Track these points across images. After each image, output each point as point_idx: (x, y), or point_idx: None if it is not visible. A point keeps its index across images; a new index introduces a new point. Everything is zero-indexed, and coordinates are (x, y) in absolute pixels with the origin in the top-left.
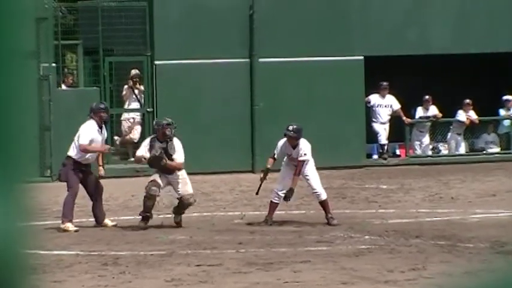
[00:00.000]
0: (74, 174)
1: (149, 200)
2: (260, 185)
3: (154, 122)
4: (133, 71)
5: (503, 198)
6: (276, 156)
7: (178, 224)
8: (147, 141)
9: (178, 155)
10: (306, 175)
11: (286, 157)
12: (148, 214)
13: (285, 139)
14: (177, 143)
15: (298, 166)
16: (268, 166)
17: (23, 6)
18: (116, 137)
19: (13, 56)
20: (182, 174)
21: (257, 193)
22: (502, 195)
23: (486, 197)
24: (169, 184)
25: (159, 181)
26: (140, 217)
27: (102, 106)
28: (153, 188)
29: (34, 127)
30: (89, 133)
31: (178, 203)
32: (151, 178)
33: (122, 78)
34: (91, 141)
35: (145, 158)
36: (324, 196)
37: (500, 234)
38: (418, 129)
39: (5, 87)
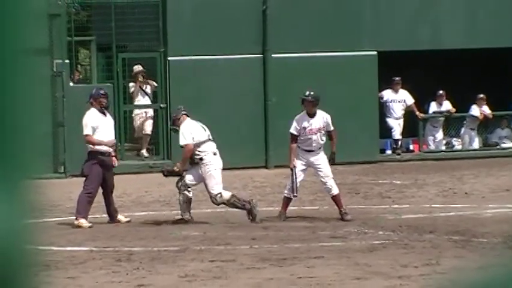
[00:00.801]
0: (97, 168)
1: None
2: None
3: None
4: (137, 67)
5: None
6: (296, 133)
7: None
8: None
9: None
10: (319, 169)
11: (303, 137)
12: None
13: (299, 115)
14: (181, 127)
15: (333, 135)
16: (293, 156)
17: (34, 3)
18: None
19: (16, 52)
20: (206, 169)
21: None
22: None
23: (500, 192)
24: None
25: (188, 180)
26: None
27: (102, 92)
28: (183, 188)
29: (44, 124)
30: (91, 122)
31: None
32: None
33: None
34: (95, 129)
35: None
36: (335, 191)
37: None
38: (431, 124)
39: (9, 85)
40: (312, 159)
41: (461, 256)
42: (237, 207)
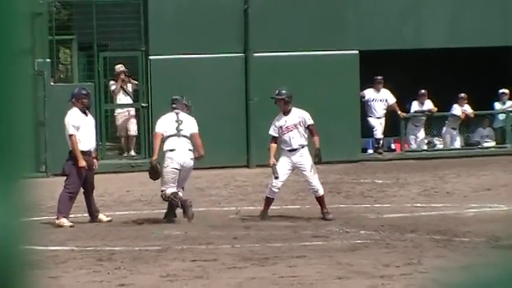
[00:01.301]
0: (78, 168)
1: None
2: (274, 169)
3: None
4: (118, 66)
5: (499, 192)
6: (275, 134)
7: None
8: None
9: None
10: (304, 169)
11: (282, 137)
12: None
13: (278, 116)
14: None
15: (313, 130)
16: (272, 152)
17: (18, 4)
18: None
19: (12, 54)
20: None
21: (276, 177)
22: (497, 190)
23: (481, 192)
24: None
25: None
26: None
27: (84, 92)
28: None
29: (32, 123)
30: (73, 121)
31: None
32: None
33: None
34: (77, 128)
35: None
36: (321, 192)
37: (495, 229)
38: (413, 124)
39: (6, 85)
40: (295, 160)
41: (442, 255)
42: (172, 205)
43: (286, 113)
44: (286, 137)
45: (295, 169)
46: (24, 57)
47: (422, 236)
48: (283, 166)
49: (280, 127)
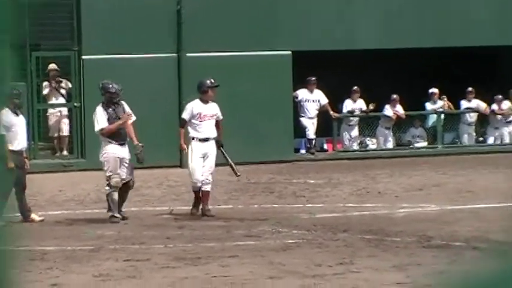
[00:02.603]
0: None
1: (115, 192)
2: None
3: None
4: (51, 66)
5: (430, 192)
6: (187, 119)
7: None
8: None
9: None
10: (207, 159)
11: (197, 123)
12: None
13: (194, 101)
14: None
15: (219, 126)
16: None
17: None
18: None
19: None
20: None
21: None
22: (428, 190)
23: (413, 192)
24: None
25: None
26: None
27: (14, 92)
28: (116, 179)
29: None
30: (3, 121)
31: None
32: (111, 170)
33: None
34: (8, 128)
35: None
36: (209, 187)
37: (427, 228)
38: (347, 123)
39: None
40: (205, 149)
41: (374, 255)
42: (108, 203)
43: (206, 102)
44: (201, 125)
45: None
46: None
47: (354, 235)
48: (196, 155)
49: (199, 113)
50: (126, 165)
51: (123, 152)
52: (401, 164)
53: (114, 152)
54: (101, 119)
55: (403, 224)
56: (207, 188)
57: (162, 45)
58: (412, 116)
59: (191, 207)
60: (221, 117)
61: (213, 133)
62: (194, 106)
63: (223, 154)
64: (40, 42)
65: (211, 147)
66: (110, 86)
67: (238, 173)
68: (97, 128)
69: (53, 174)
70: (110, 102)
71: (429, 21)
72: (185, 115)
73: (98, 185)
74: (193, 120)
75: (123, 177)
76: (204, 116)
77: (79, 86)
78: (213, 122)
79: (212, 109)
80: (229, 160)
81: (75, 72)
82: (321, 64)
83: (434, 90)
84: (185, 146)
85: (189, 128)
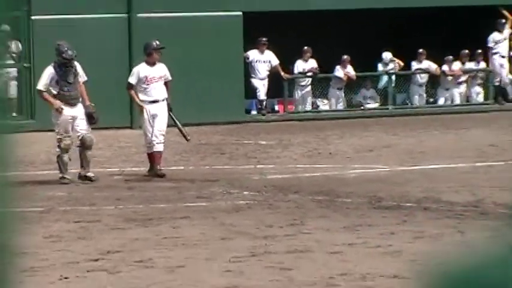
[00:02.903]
0: None
1: (66, 154)
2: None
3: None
4: (4, 27)
5: (381, 153)
6: (133, 82)
7: (88, 178)
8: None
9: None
10: (160, 121)
11: (145, 86)
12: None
13: (140, 65)
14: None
15: (169, 86)
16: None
17: None
18: None
19: None
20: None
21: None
22: (379, 151)
23: (364, 153)
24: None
25: (69, 128)
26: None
27: None
28: (67, 142)
29: None
30: None
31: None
32: (62, 132)
33: None
34: None
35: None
36: (161, 148)
37: (377, 189)
38: (298, 84)
39: None
40: (154, 111)
41: (325, 216)
42: (59, 165)
43: (153, 64)
44: (149, 88)
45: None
46: None
47: (305, 196)
48: (147, 117)
49: (146, 77)
50: (80, 122)
51: (75, 111)
52: (352, 125)
53: (65, 113)
54: (43, 80)
55: (354, 185)
56: (159, 148)
57: (113, 6)
58: (363, 77)
59: (148, 170)
60: (170, 78)
61: (162, 94)
62: (140, 70)
63: (172, 118)
64: None
65: (161, 109)
66: (65, 50)
67: (188, 137)
68: (38, 87)
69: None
70: (62, 64)
71: None
72: (132, 79)
73: (48, 146)
74: (140, 84)
75: (78, 134)
76: (151, 78)
77: (28, 46)
78: (162, 83)
79: (159, 71)
80: (179, 124)
81: (25, 32)
82: (272, 25)
83: (388, 53)
84: (143, 105)
85: (138, 92)
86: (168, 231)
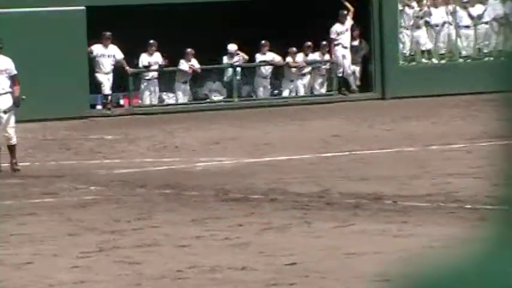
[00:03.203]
0: None
1: None
2: None
3: None
4: None
5: (227, 146)
6: None
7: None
8: None
9: None
10: (4, 115)
11: None
12: None
13: None
14: None
15: (16, 80)
16: None
17: None
18: None
19: None
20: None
21: None
22: (225, 143)
23: (210, 145)
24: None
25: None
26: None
27: None
28: None
29: None
30: None
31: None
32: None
33: None
34: None
35: None
36: (14, 141)
37: (224, 182)
38: (144, 78)
39: None
40: (1, 106)
41: (173, 209)
42: None
43: None
44: None
45: None
46: None
47: (152, 190)
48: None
49: None
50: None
51: None
52: (198, 118)
53: None
54: None
55: (201, 177)
56: (12, 142)
57: None
58: (209, 70)
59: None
60: (14, 72)
61: (5, 88)
62: None
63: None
64: None
65: (6, 103)
66: None
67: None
68: None
69: None
70: None
71: None
72: None
73: None
74: None
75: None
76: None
77: None
78: (4, 77)
79: (2, 64)
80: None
81: None
82: (116, 19)
83: (233, 46)
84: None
85: None
86: (15, 228)
